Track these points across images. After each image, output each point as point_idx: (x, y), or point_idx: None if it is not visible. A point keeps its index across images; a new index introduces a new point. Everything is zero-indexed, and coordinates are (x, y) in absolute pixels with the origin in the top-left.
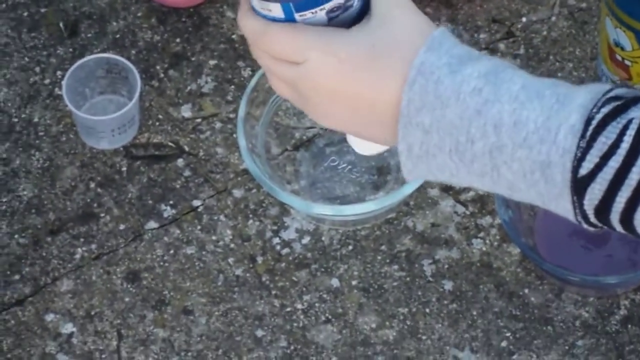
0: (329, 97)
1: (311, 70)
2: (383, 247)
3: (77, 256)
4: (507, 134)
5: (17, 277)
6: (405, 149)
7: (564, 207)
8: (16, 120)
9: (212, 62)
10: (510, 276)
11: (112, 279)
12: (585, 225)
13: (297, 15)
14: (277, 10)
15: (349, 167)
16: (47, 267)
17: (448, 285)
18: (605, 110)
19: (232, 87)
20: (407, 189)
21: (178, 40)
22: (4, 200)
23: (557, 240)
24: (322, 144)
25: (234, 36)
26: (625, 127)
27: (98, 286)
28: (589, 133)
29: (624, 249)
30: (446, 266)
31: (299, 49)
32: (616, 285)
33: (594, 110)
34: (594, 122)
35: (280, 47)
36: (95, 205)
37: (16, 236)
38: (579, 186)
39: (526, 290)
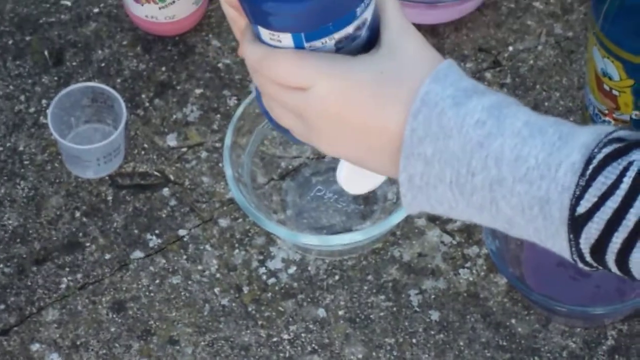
0: (335, 125)
1: (318, 96)
2: (370, 277)
3: (63, 286)
4: (508, 168)
5: (2, 306)
6: (406, 179)
7: (560, 245)
8: (1, 149)
9: (197, 91)
10: (497, 306)
11: (97, 308)
12: (580, 265)
13: (306, 45)
14: (287, 41)
15: (336, 196)
16: (33, 297)
17: (435, 315)
18: (606, 150)
19: (218, 116)
20: (394, 219)
21: (163, 69)
22: None
23: (545, 271)
24: (308, 174)
25: (219, 65)
26: (626, 169)
27: (84, 316)
28: (588, 172)
29: (612, 279)
30: (433, 296)
31: (306, 74)
32: (604, 316)
33: (596, 150)
34: (595, 162)
35: (286, 72)
36: (80, 234)
37: (1, 265)
38: (576, 224)
39: (513, 321)
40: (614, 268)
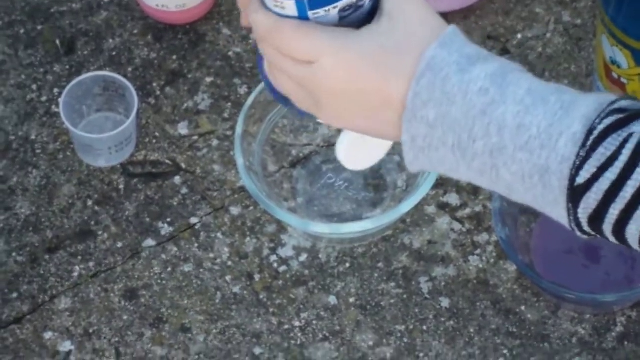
0: (339, 97)
1: (323, 71)
2: (380, 265)
3: (75, 274)
4: (510, 136)
5: (15, 295)
6: (409, 140)
7: (558, 213)
8: (13, 138)
9: (208, 80)
10: (506, 293)
11: (110, 296)
12: (578, 233)
13: (310, 13)
14: (290, 8)
15: (346, 184)
16: (45, 285)
17: (445, 302)
18: (607, 121)
19: (229, 104)
20: (404, 207)
21: (174, 57)
22: (2, 218)
23: (554, 258)
24: (319, 162)
25: (230, 53)
26: (625, 141)
27: (96, 304)
28: (589, 143)
29: (621, 267)
30: (443, 283)
31: (311, 49)
32: (613, 303)
33: (597, 121)
34: (595, 133)
35: (292, 45)
36: (92, 223)
37: (14, 254)
38: (575, 194)
39: (523, 308)
40: (611, 237)
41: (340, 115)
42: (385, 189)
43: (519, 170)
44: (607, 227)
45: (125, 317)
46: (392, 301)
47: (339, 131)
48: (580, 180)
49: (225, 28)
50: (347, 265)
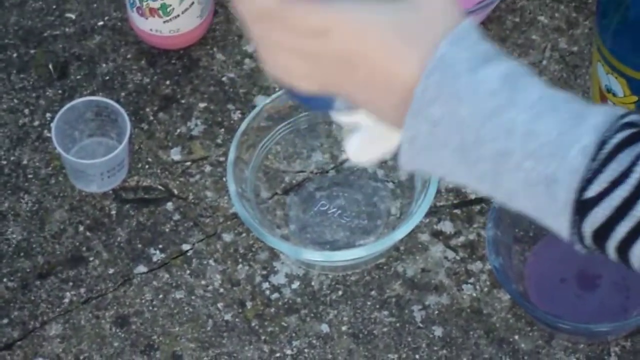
0: (350, 68)
1: (335, 41)
2: (373, 293)
3: (66, 300)
4: (518, 142)
5: (5, 321)
6: (408, 139)
7: (560, 225)
8: (5, 162)
9: (201, 105)
10: (500, 322)
11: (101, 323)
12: (577, 246)
13: None
14: None
15: (339, 211)
16: (36, 311)
17: (438, 331)
18: (620, 135)
19: (222, 130)
20: (398, 234)
21: (168, 82)
22: None
23: (548, 287)
24: (312, 188)
25: (224, 79)
26: (638, 157)
27: (87, 330)
28: (601, 157)
29: (616, 296)
30: (436, 312)
31: (324, 19)
32: (607, 333)
33: (608, 134)
34: (608, 147)
35: (303, 17)
36: (84, 249)
37: (5, 280)
38: (582, 208)
39: (516, 337)
40: (613, 254)
41: (346, 86)
42: (379, 216)
43: (524, 177)
44: (612, 243)
45: (116, 344)
46: (385, 330)
47: (332, 157)
48: (590, 194)
49: (219, 53)
50: (340, 293)
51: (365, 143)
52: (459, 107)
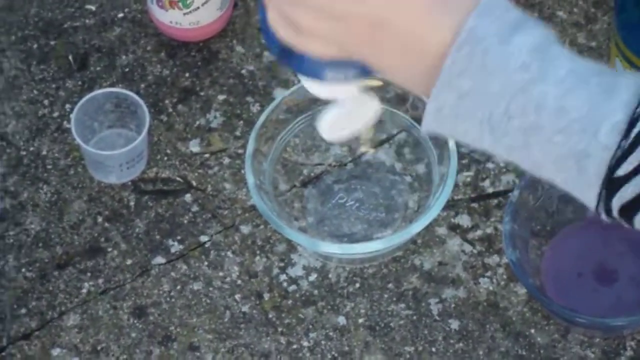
0: (380, 32)
1: (369, 4)
2: (390, 286)
3: (84, 291)
4: (548, 117)
5: (23, 310)
6: (435, 109)
7: (587, 197)
8: (24, 153)
9: (221, 97)
10: (516, 316)
11: (118, 314)
12: (603, 216)
13: None
14: None
15: (357, 204)
16: (54, 302)
17: (454, 324)
18: None
19: (241, 122)
20: (415, 228)
21: (187, 74)
22: (12, 233)
23: (565, 281)
24: (330, 181)
25: (243, 71)
26: None
27: (104, 321)
28: (633, 135)
29: (633, 291)
30: (453, 305)
31: None
32: (623, 327)
33: (639, 110)
34: (639, 125)
35: None
36: (102, 239)
37: (23, 270)
38: (612, 184)
39: (532, 331)
40: (638, 226)
41: (367, 52)
42: (397, 209)
43: (554, 152)
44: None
45: (133, 335)
46: (402, 322)
47: (350, 150)
48: (621, 172)
49: (238, 46)
50: (357, 285)
51: (339, 120)
52: (488, 80)
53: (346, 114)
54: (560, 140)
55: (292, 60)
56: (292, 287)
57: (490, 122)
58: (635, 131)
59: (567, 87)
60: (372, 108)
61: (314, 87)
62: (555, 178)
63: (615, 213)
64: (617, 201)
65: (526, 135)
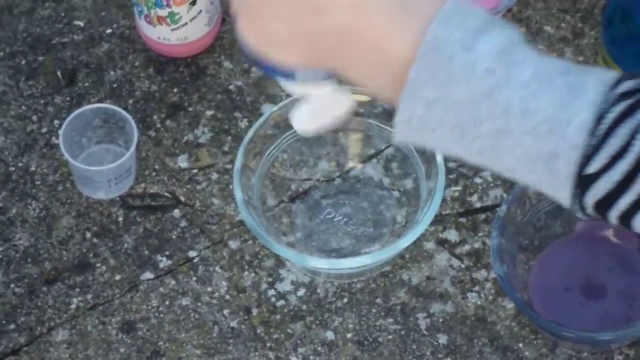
0: (346, 44)
1: (334, 17)
2: (378, 301)
3: (73, 306)
4: (516, 120)
5: (12, 326)
6: (404, 120)
7: (561, 196)
8: (13, 169)
9: (209, 113)
10: (505, 330)
11: (107, 329)
12: (579, 215)
13: None
14: None
15: (345, 219)
16: (43, 317)
17: (443, 339)
18: (618, 109)
19: (229, 138)
20: (403, 243)
21: (176, 90)
22: (1, 249)
23: (553, 296)
24: (318, 196)
25: (231, 87)
26: (637, 131)
27: (94, 337)
28: (600, 132)
29: (620, 305)
30: (441, 320)
31: None
32: (611, 342)
33: (605, 108)
34: (606, 122)
35: None
36: (91, 255)
37: (12, 286)
38: (584, 182)
39: (521, 345)
40: (615, 222)
41: (335, 63)
42: (385, 224)
43: (524, 154)
44: (614, 213)
45: (122, 350)
46: (390, 337)
47: (339, 166)
48: (591, 170)
49: (226, 62)
50: (346, 300)
51: (312, 114)
52: (454, 88)
53: (319, 108)
54: (529, 142)
55: (263, 64)
56: (281, 303)
57: (460, 128)
58: (602, 128)
59: (533, 90)
60: (346, 102)
61: (286, 85)
62: (528, 180)
63: (590, 210)
64: (591, 199)
65: (495, 140)
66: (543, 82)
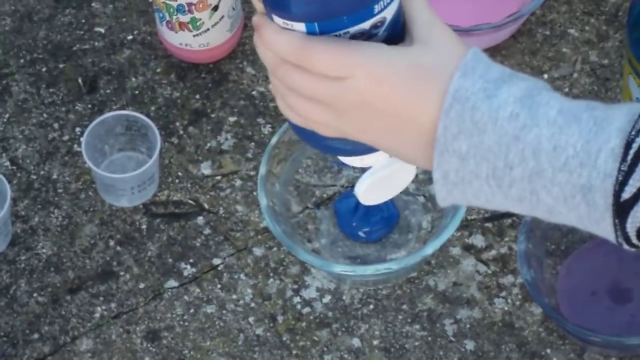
0: (370, 113)
1: (355, 85)
2: (404, 307)
3: (97, 315)
4: (547, 159)
5: (36, 336)
6: (441, 176)
7: (604, 230)
8: (35, 177)
9: (231, 119)
10: (532, 336)
11: (131, 338)
12: (626, 247)
13: None
14: (300, 30)
15: None
16: (67, 326)
17: (470, 345)
18: None
19: (252, 144)
20: (429, 249)
21: (198, 96)
22: (23, 258)
23: (580, 300)
24: None
25: (254, 92)
26: None
27: (118, 345)
28: (630, 157)
29: None
30: (468, 326)
31: (345, 63)
32: (639, 346)
33: (633, 133)
34: (635, 146)
35: (326, 61)
36: (114, 263)
37: (35, 295)
38: (621, 209)
39: (548, 350)
40: None
41: (367, 131)
42: (410, 230)
43: (560, 191)
44: None
45: (147, 359)
46: (417, 344)
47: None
48: (626, 195)
49: (249, 67)
50: (371, 307)
51: (373, 185)
52: (483, 137)
53: (380, 179)
54: (562, 178)
55: (306, 136)
56: (306, 309)
57: (495, 176)
58: (631, 152)
59: (559, 126)
60: (407, 173)
61: (345, 160)
62: (570, 219)
63: (635, 240)
64: (632, 226)
65: (531, 181)
66: (569, 117)
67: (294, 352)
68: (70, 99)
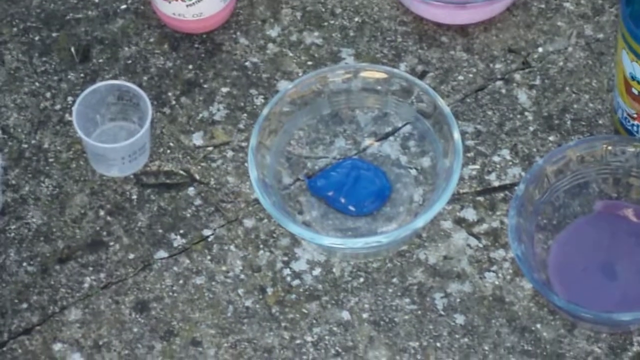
0: None
1: None
2: (394, 280)
3: (86, 285)
4: None
5: (25, 305)
6: None
7: None
8: (26, 146)
9: (224, 90)
10: (522, 311)
11: (120, 308)
12: None
13: None
14: None
15: None
16: (55, 296)
17: (460, 319)
18: None
19: (244, 115)
20: (420, 222)
21: (190, 67)
22: (13, 227)
23: (571, 276)
24: None
25: (247, 63)
26: None
27: (106, 316)
28: None
29: (638, 285)
30: (458, 300)
31: None
32: (629, 322)
33: None
34: None
35: None
36: (104, 233)
37: (24, 264)
38: None
39: (538, 326)
40: None
41: None
42: (401, 203)
43: None
44: None
45: (135, 330)
46: (406, 317)
47: (355, 143)
48: None
49: (242, 38)
50: (361, 280)
51: None
52: None
53: None
54: None
55: None
56: (296, 282)
57: None
58: None
59: None
60: None
61: None
62: None
63: None
64: None
65: None
66: None
67: (283, 324)
68: (62, 68)
